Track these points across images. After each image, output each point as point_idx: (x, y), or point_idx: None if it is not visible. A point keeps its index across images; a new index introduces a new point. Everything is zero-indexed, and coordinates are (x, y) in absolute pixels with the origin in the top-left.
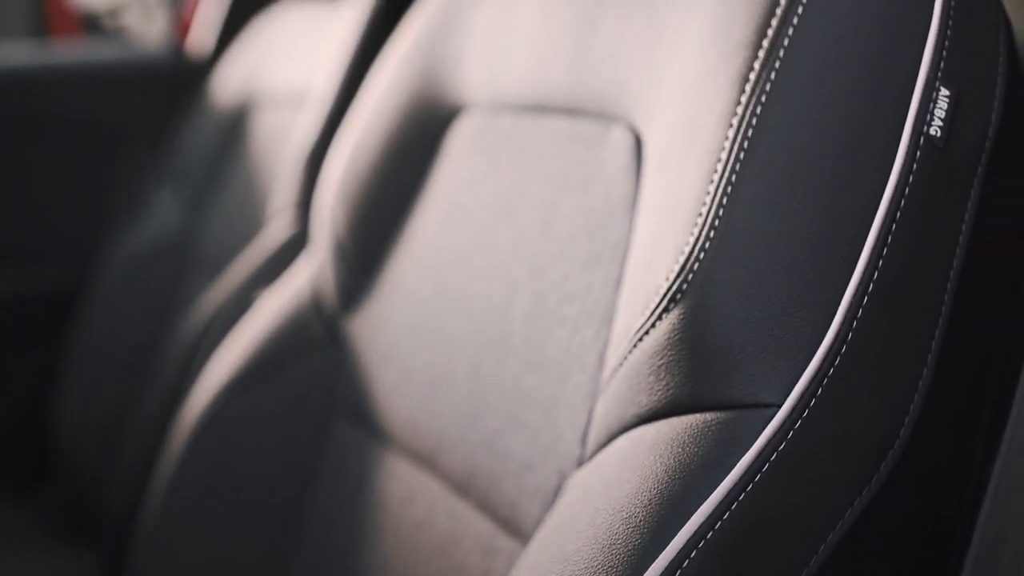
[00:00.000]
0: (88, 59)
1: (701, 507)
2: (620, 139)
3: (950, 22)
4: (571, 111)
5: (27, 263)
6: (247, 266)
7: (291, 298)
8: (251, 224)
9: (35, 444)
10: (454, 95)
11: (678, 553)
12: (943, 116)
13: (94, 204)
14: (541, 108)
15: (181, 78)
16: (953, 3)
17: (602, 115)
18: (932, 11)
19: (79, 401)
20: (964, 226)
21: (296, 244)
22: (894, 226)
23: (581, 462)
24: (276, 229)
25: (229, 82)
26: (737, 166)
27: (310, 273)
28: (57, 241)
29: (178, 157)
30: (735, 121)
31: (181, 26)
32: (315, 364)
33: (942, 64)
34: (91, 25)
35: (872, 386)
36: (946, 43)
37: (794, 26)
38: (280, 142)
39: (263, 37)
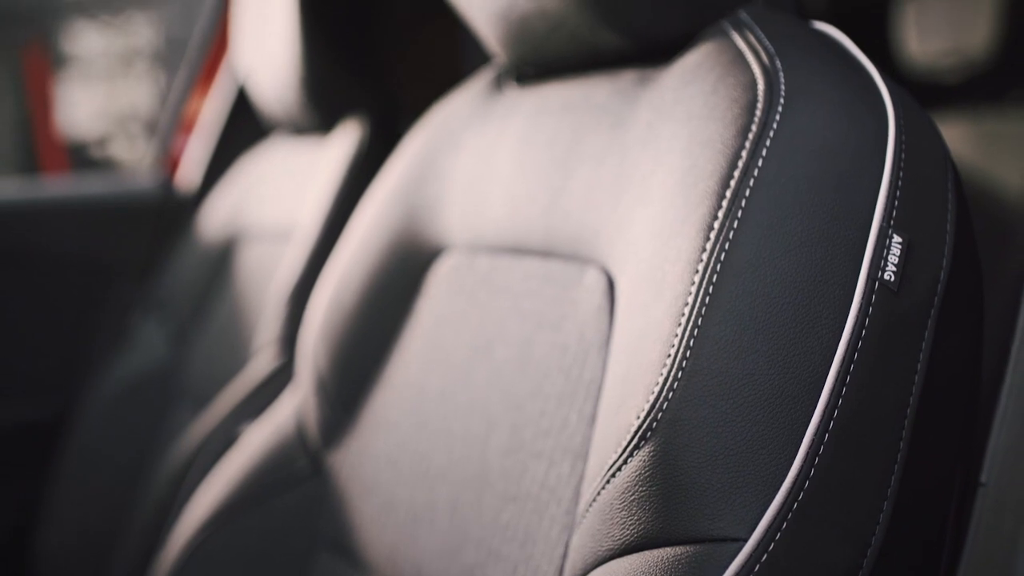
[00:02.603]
0: (79, 193)
1: None
2: (593, 281)
3: (901, 172)
4: (546, 253)
5: (13, 393)
6: (232, 399)
7: (275, 432)
8: (236, 357)
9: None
10: (435, 236)
11: None
12: (896, 262)
13: (80, 335)
14: (517, 250)
15: (169, 212)
16: (903, 155)
17: (576, 258)
18: (884, 162)
19: (62, 532)
20: (919, 366)
21: (281, 378)
22: (852, 367)
23: None
24: (261, 363)
25: (216, 216)
26: (703, 310)
27: (294, 407)
28: (43, 371)
29: (165, 289)
30: (700, 267)
31: (170, 161)
32: (298, 496)
33: (894, 212)
34: (78, 154)
35: (834, 520)
36: (898, 192)
37: (755, 177)
38: (266, 276)
39: (250, 172)
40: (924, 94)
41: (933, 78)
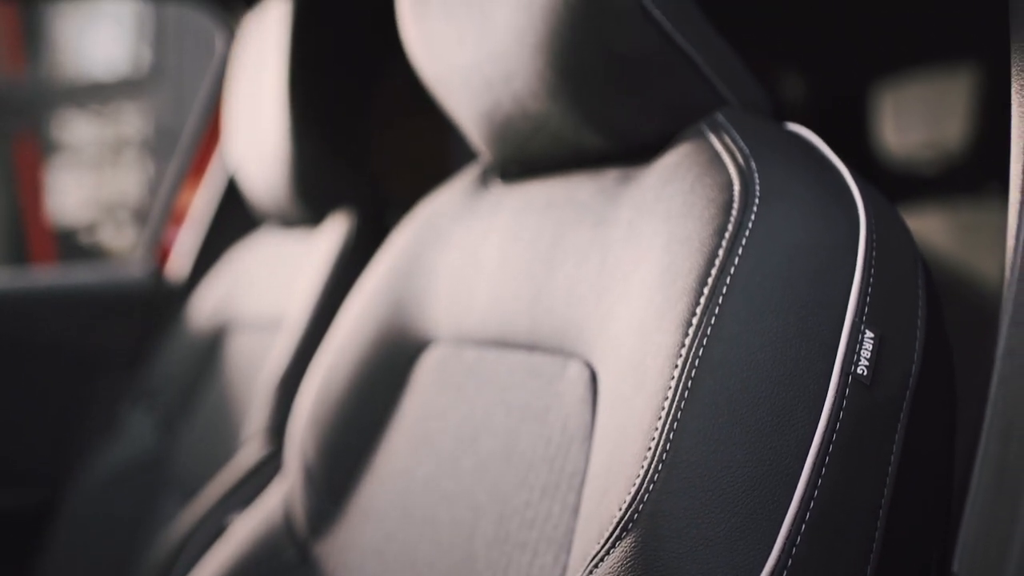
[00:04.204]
0: (69, 282)
1: None
2: (576, 374)
3: (872, 269)
4: (531, 347)
5: (1, 480)
6: (220, 489)
7: (263, 522)
8: (225, 446)
9: None
10: (422, 329)
11: None
12: (869, 356)
13: (69, 423)
14: (503, 343)
15: (159, 301)
16: (875, 253)
17: (559, 351)
18: (855, 261)
19: None
20: (892, 457)
21: (270, 468)
22: (827, 459)
23: None
24: (250, 452)
25: (206, 306)
26: (683, 403)
27: (282, 497)
28: (32, 459)
29: (154, 379)
30: (680, 362)
31: (160, 251)
32: None
33: (866, 309)
34: (67, 240)
35: None
36: (869, 289)
37: (731, 275)
38: (254, 366)
39: (240, 263)
40: (902, 186)
41: (911, 170)
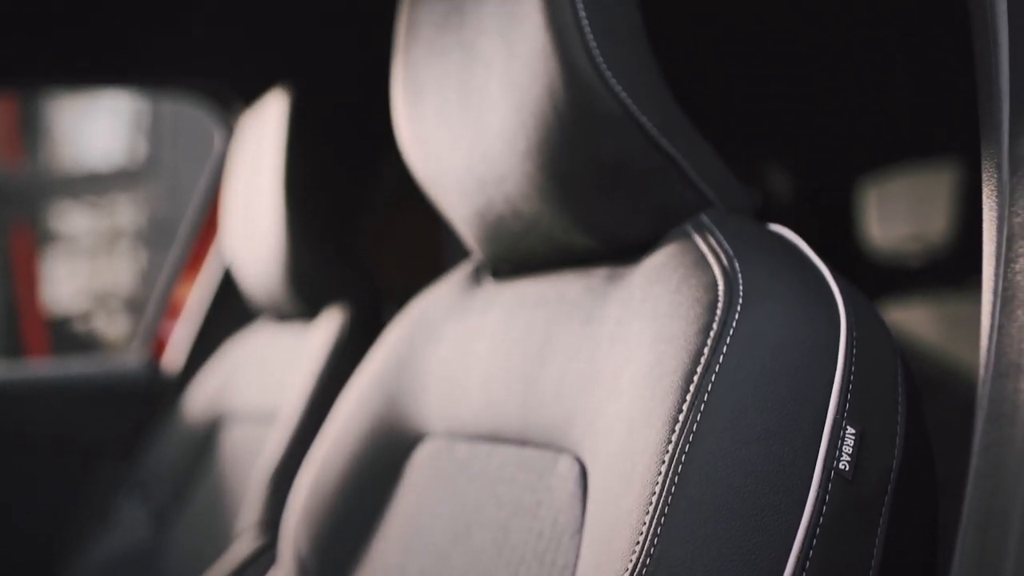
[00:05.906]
0: (66, 373)
1: None
2: (566, 469)
3: (852, 366)
4: (522, 442)
5: None
6: None
7: None
8: (219, 538)
9: None
10: (415, 424)
11: None
12: (850, 452)
13: (64, 514)
14: (494, 438)
15: (155, 393)
16: (855, 351)
17: (550, 446)
18: (836, 358)
19: None
20: (875, 551)
21: (263, 560)
22: (811, 553)
23: None
24: (244, 544)
25: (201, 397)
26: (669, 499)
27: None
28: (26, 550)
29: (148, 470)
30: (667, 458)
31: (156, 343)
32: None
33: (847, 405)
34: (60, 328)
35: None
36: (850, 386)
37: (716, 373)
38: (249, 458)
39: (235, 355)
40: (887, 278)
41: (896, 262)
